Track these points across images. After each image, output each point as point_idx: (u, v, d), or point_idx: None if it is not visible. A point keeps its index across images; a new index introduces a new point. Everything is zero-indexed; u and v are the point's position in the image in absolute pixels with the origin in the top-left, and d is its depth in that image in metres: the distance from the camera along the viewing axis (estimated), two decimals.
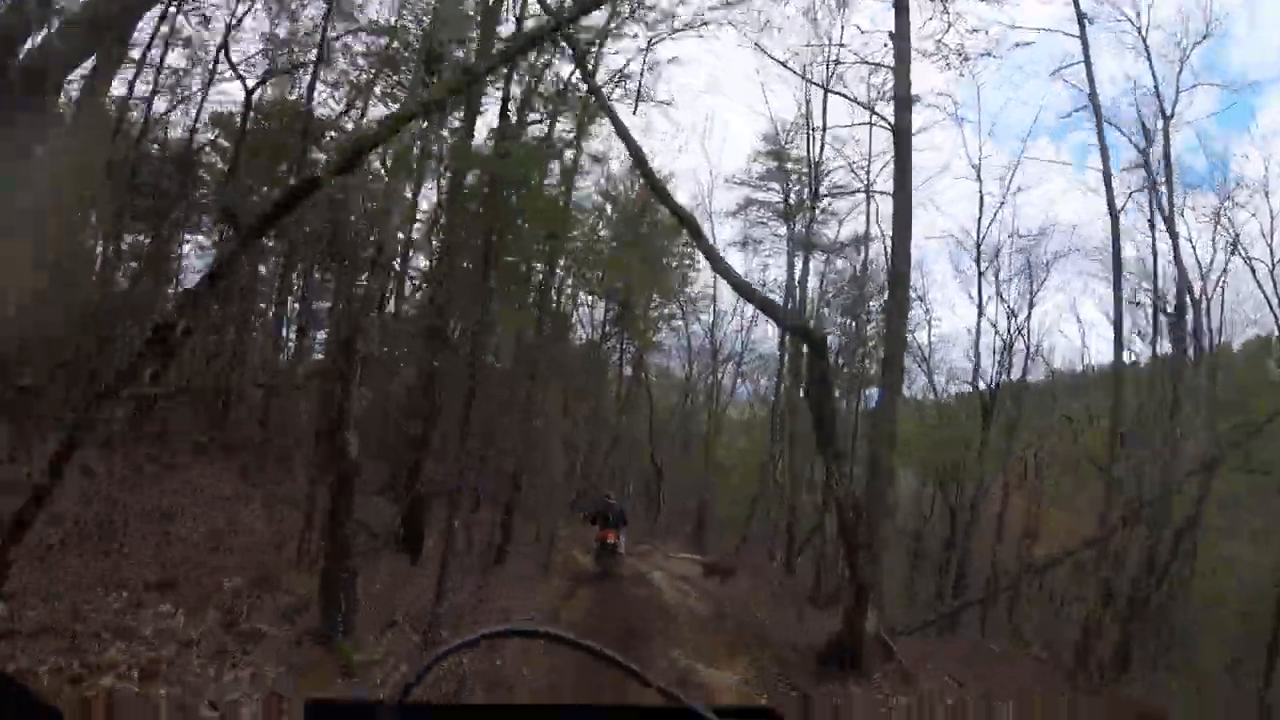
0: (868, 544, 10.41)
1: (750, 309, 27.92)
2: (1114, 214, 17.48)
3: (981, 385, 23.00)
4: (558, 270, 20.95)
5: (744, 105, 62.30)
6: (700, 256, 26.48)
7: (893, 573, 18.69)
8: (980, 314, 22.14)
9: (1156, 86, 18.03)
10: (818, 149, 22.27)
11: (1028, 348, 23.09)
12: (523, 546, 16.13)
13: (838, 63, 18.35)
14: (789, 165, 23.25)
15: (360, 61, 18.02)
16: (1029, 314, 22.85)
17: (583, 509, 19.19)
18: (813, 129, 22.04)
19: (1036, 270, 22.42)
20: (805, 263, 22.44)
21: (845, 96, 17.83)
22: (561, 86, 16.53)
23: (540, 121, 17.35)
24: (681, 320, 28.56)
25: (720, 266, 11.80)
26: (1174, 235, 17.75)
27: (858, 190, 21.75)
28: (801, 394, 23.53)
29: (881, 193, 19.65)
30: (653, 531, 24.82)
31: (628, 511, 17.52)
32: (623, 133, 12.69)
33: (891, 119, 13.90)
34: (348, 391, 8.63)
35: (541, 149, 16.75)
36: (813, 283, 23.59)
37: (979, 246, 21.58)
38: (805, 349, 11.69)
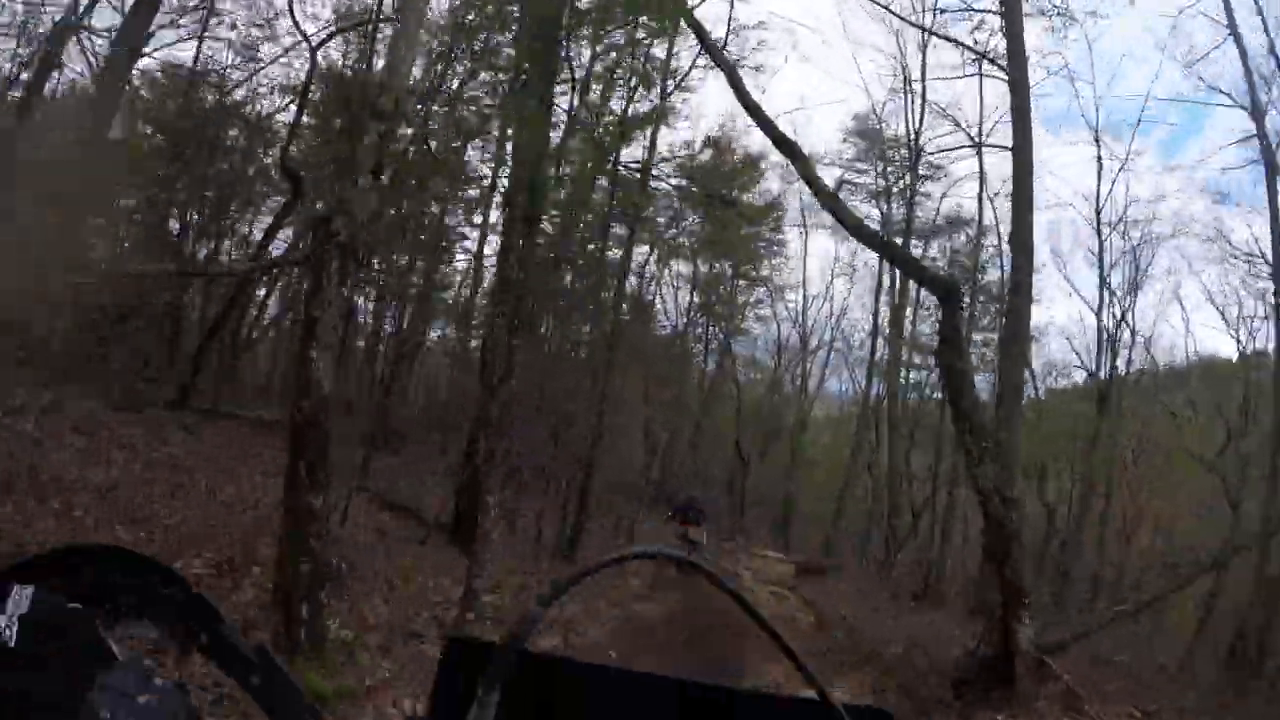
0: (1018, 535, 7.63)
1: (840, 294, 25.50)
2: (1269, 160, 13.94)
3: (1085, 375, 19.81)
4: (635, 251, 18.71)
5: (832, 78, 56.88)
6: (783, 241, 24.08)
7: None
8: (1102, 287, 18.74)
9: (1272, 43, 13.99)
10: (916, 117, 19.38)
11: (1133, 335, 19.69)
12: (598, 538, 13.87)
13: (941, 11, 15.49)
14: (885, 140, 20.39)
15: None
16: (1134, 298, 19.43)
17: (667, 503, 17.13)
18: (911, 84, 19.14)
19: (1144, 250, 18.96)
20: (905, 242, 19.39)
21: (953, 41, 14.96)
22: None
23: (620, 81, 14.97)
24: (769, 308, 25.79)
25: (831, 204, 9.33)
26: None
27: (966, 147, 18.73)
28: (902, 392, 20.63)
29: (996, 146, 16.62)
30: (737, 526, 22.21)
31: (710, 507, 16.33)
32: (717, 56, 10.63)
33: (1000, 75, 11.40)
34: (318, 290, 5.58)
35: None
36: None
37: (1099, 214, 18.18)
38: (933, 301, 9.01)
